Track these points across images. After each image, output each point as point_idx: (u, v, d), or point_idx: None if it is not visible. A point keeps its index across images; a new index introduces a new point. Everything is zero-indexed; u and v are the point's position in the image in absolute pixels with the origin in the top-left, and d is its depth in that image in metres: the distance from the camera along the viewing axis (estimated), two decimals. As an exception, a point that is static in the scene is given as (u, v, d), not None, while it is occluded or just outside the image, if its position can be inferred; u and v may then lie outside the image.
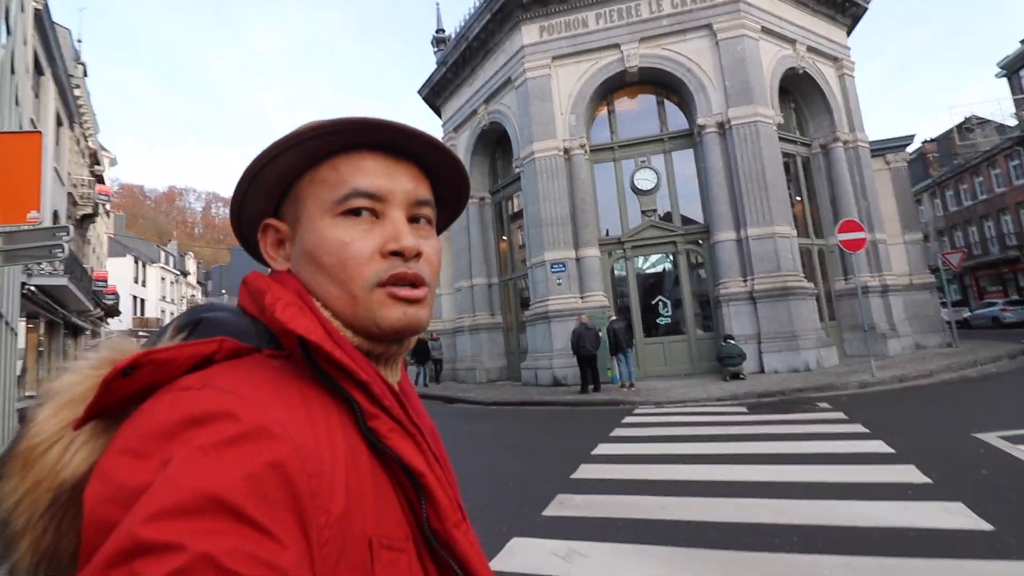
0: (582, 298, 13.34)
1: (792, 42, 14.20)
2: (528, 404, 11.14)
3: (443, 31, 19.11)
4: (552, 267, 13.44)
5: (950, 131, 36.12)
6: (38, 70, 13.71)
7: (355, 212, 0.57)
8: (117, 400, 0.46)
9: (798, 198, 14.93)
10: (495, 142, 17.14)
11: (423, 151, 0.61)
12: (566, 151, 13.84)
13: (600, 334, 11.81)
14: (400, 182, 0.59)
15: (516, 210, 16.62)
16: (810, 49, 14.61)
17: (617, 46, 13.67)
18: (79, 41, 22.68)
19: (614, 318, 11.69)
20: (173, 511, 0.37)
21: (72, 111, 18.35)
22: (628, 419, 8.38)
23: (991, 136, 32.91)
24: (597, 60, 13.87)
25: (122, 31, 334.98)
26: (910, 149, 17.34)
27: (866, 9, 15.69)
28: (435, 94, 18.76)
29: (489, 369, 16.36)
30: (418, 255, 0.58)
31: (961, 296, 31.91)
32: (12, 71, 9.53)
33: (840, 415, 7.35)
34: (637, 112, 14.64)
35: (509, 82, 14.96)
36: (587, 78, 13.92)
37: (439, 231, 0.69)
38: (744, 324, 12.29)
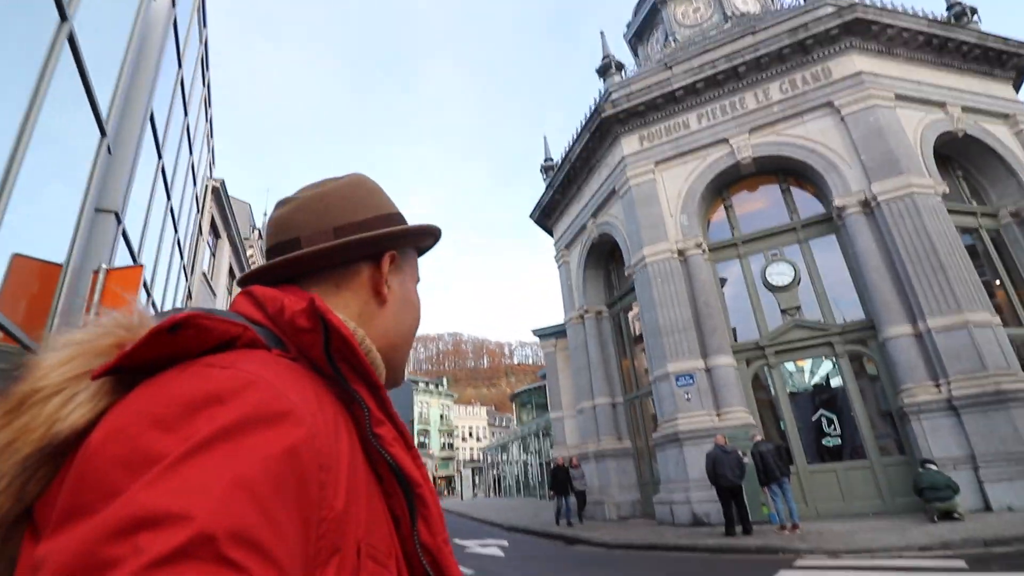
0: (719, 415, 11.30)
1: (941, 105, 12.30)
2: (660, 548, 9.06)
3: (551, 159, 19.99)
4: (677, 380, 11.76)
5: None
6: (215, 233, 16.49)
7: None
8: (150, 358, 0.46)
9: (996, 282, 11.91)
10: (607, 255, 16.60)
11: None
12: (680, 252, 12.75)
13: (745, 459, 9.64)
14: None
15: (635, 322, 15.41)
16: (967, 109, 12.51)
17: (725, 141, 12.89)
18: (265, 214, 27.92)
19: (759, 439, 9.52)
20: (187, 489, 0.36)
21: (244, 265, 21.70)
22: (786, 573, 6.20)
23: None
24: (704, 157, 13.14)
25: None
26: None
27: (1033, 57, 13.37)
28: (546, 216, 19.14)
29: (620, 504, 14.23)
30: None
31: None
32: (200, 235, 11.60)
33: None
34: (759, 204, 13.31)
35: (614, 193, 14.69)
36: (696, 176, 13.14)
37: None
38: (946, 443, 9.30)
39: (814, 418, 11.12)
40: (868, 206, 11.13)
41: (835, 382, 11.39)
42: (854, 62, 11.90)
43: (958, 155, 12.84)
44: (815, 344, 11.38)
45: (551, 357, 19.65)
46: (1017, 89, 13.71)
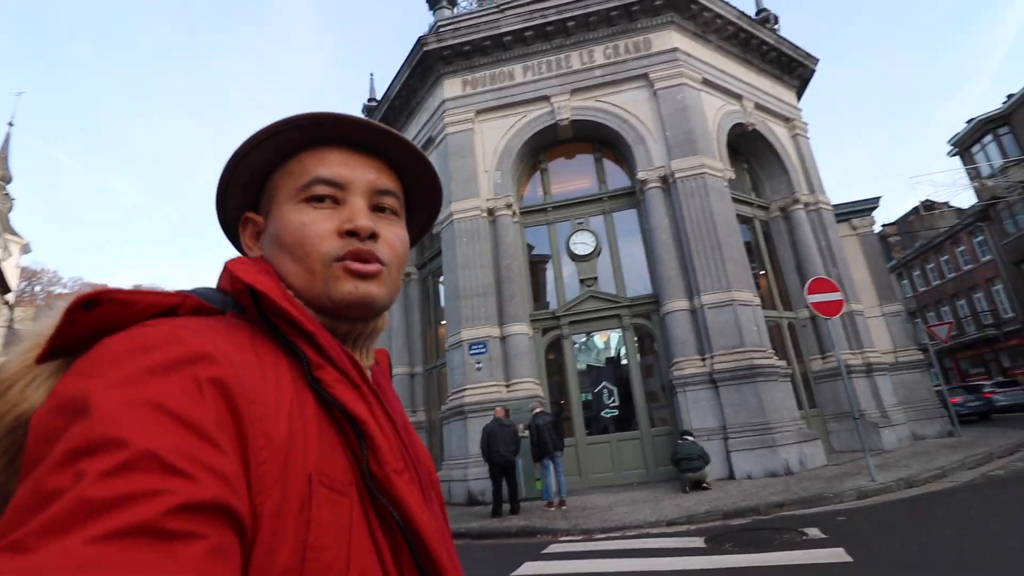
0: (508, 387, 10.80)
1: (738, 97, 12.99)
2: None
3: (374, 99, 17.85)
4: (471, 348, 11.00)
5: (908, 213, 36.20)
6: None
7: (317, 199, 0.62)
8: (77, 336, 0.48)
9: (762, 272, 13.07)
10: (422, 209, 15.25)
11: (386, 145, 0.66)
12: (490, 211, 11.91)
13: (523, 433, 9.19)
14: (361, 171, 0.65)
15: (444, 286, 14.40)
16: (759, 107, 13.42)
17: (547, 98, 12.22)
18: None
19: (538, 410, 9.10)
20: (117, 417, 0.38)
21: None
22: (531, 565, 5.63)
23: (948, 217, 32.79)
24: (525, 113, 12.36)
25: (116, 140, 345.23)
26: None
27: (813, 70, 14.86)
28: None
29: (408, 475, 13.29)
30: (374, 236, 0.62)
31: (943, 380, 30.06)
32: None
33: (840, 553, 4.78)
34: (574, 171, 12.99)
35: (431, 142, 13.30)
36: (514, 132, 12.32)
37: (421, 233, 0.79)
38: (705, 415, 9.82)
39: (596, 390, 11.18)
40: (666, 182, 11.28)
41: (618, 354, 11.59)
42: (672, 38, 11.90)
43: (746, 149, 13.79)
44: (606, 316, 11.41)
45: (354, 316, 17.89)
46: (798, 97, 15.15)
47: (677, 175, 11.05)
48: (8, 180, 34.02)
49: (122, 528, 0.34)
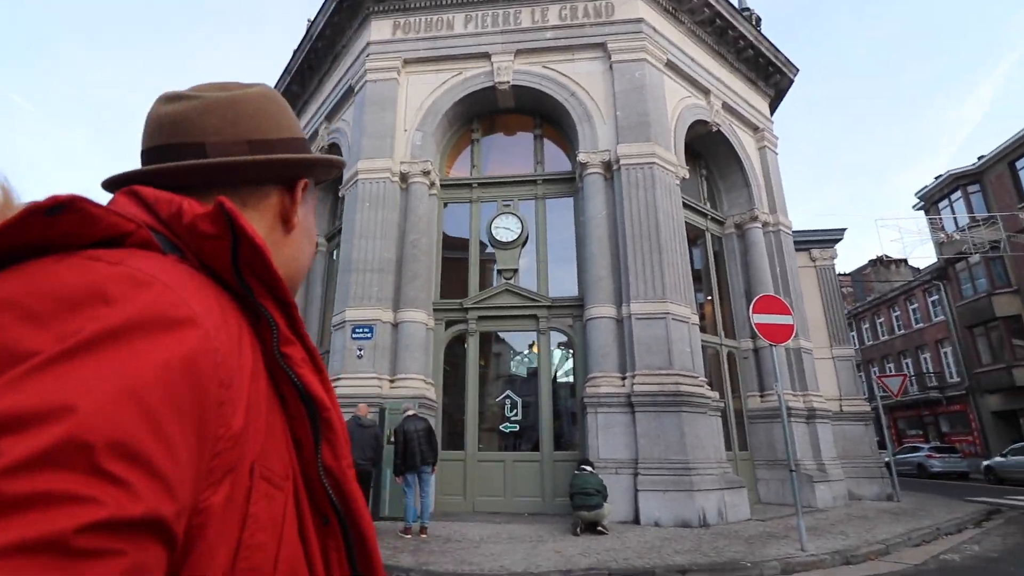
0: (392, 382, 8.89)
1: (706, 92, 11.58)
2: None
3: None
4: (354, 331, 9.05)
5: (864, 266, 36.05)
6: None
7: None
8: (18, 243, 0.39)
9: (708, 297, 11.59)
10: (341, 175, 13.28)
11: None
12: (403, 176, 10.05)
13: (387, 438, 7.30)
14: None
15: (353, 260, 12.38)
16: (727, 108, 12.05)
17: (487, 56, 10.50)
18: None
19: (410, 413, 7.21)
20: (62, 392, 0.32)
21: None
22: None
23: (904, 273, 32.63)
24: (460, 71, 10.60)
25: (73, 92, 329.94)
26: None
27: (792, 81, 13.64)
28: (285, 113, 14.98)
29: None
30: None
31: (889, 437, 29.41)
32: None
33: None
34: (510, 148, 11.29)
35: (351, 91, 11.40)
36: (445, 90, 10.54)
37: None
38: (616, 443, 8.11)
39: (498, 399, 9.37)
40: (610, 169, 9.67)
41: (528, 360, 9.83)
42: (638, 7, 10.38)
43: (707, 153, 12.39)
44: (522, 315, 9.64)
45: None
46: (772, 110, 13.91)
47: (623, 162, 9.44)
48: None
49: (26, 541, 0.28)
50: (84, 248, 0.41)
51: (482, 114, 11.09)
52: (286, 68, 13.80)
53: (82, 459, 0.30)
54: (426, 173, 10.05)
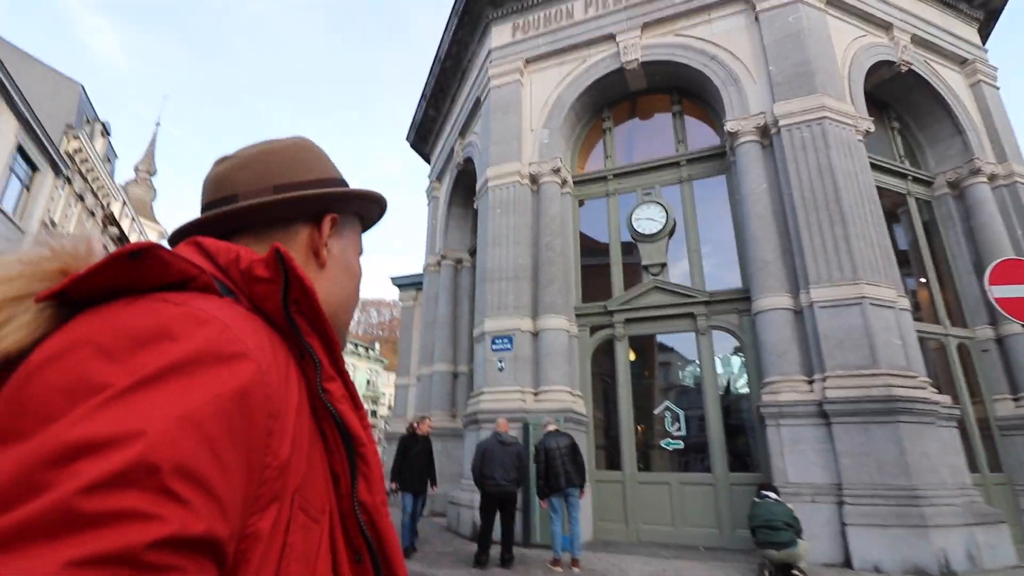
0: (536, 395, 8.33)
1: (886, 28, 9.40)
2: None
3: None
4: (493, 342, 8.70)
5: None
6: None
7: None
8: (99, 287, 0.43)
9: (922, 280, 9.26)
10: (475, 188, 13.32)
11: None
12: (532, 178, 9.59)
13: (531, 456, 6.71)
14: None
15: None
16: (918, 42, 9.67)
17: (611, 37, 9.68)
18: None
19: (551, 428, 6.53)
20: (132, 419, 0.35)
21: (59, 163, 17.32)
22: None
23: None
24: (584, 58, 9.91)
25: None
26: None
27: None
28: (422, 139, 15.63)
29: (436, 498, 11.21)
30: None
31: None
32: None
33: None
34: (647, 132, 10.25)
35: (479, 104, 11.34)
36: (569, 81, 9.91)
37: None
38: (809, 464, 6.55)
39: (657, 411, 8.27)
40: (767, 134, 8.16)
41: (690, 367, 8.58)
42: (784, -54, 8.76)
43: (897, 102, 10.03)
44: (676, 315, 8.47)
45: (408, 312, 16.38)
46: (983, 38, 10.96)
47: (783, 122, 7.89)
48: (153, 173, 38.18)
49: (102, 554, 0.30)
50: (154, 291, 0.44)
51: (612, 101, 10.23)
52: (421, 94, 14.32)
53: (151, 480, 0.33)
54: (556, 171, 9.45)
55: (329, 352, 0.53)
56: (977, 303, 8.93)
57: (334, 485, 0.51)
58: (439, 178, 14.47)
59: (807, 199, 7.42)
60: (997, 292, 5.06)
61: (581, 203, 9.96)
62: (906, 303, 7.28)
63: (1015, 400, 8.34)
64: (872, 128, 8.37)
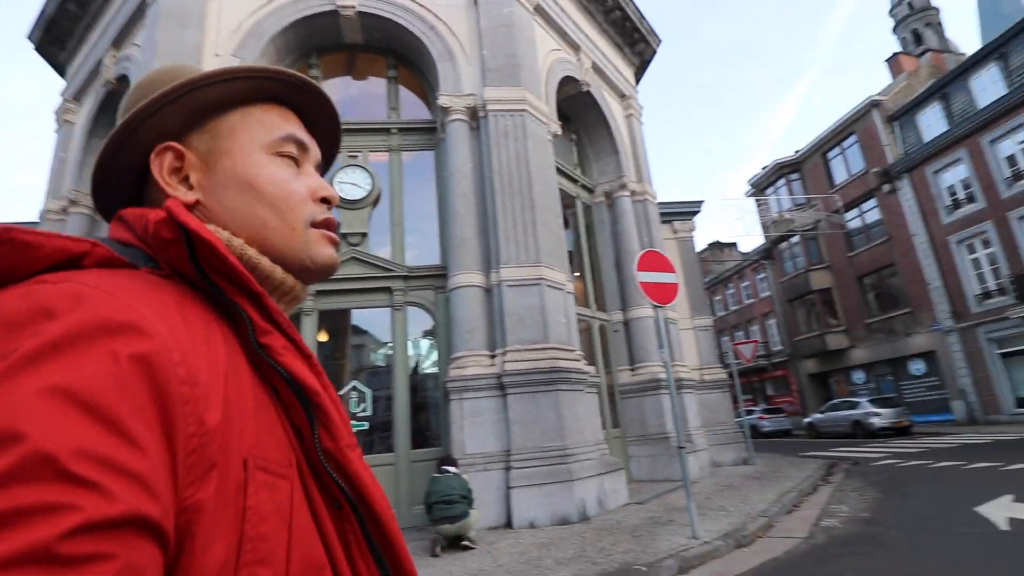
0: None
1: (576, 48, 10.77)
2: None
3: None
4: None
5: (704, 249, 39.43)
6: None
7: (284, 157, 0.60)
8: None
9: (576, 275, 10.88)
10: (136, 114, 10.38)
11: (321, 121, 0.67)
12: (213, 111, 7.81)
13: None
14: (314, 143, 0.64)
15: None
16: (596, 69, 11.39)
17: (326, -26, 8.58)
18: None
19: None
20: (11, 410, 0.32)
21: None
22: None
23: (735, 255, 36.10)
24: (294, -13, 8.55)
25: None
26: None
27: (654, 52, 13.46)
28: (56, 42, 11.46)
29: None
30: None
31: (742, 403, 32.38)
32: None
33: None
34: (359, 93, 9.51)
35: (144, 7, 8.75)
36: (272, 9, 8.42)
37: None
38: (486, 434, 6.93)
39: (342, 392, 7.70)
40: (475, 116, 8.38)
41: (380, 345, 8.31)
42: (505, -60, 9.14)
43: (576, 118, 11.66)
44: (372, 288, 8.02)
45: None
46: (636, 80, 13.65)
47: (491, 107, 8.21)
48: None
49: (11, 555, 0.28)
50: (42, 272, 0.41)
51: (324, 48, 9.13)
52: (51, -27, 10.39)
53: (49, 469, 0.30)
54: (245, 110, 7.90)
55: (257, 305, 0.48)
56: (614, 293, 11.06)
57: (299, 439, 0.49)
58: (77, 98, 10.90)
59: (505, 183, 7.86)
60: (642, 277, 6.11)
61: (276, 154, 8.61)
62: (571, 288, 8.40)
63: (632, 370, 10.59)
64: (559, 132, 9.45)
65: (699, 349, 12.85)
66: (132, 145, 0.57)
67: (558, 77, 10.01)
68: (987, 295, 17.78)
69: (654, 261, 6.39)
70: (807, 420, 20.88)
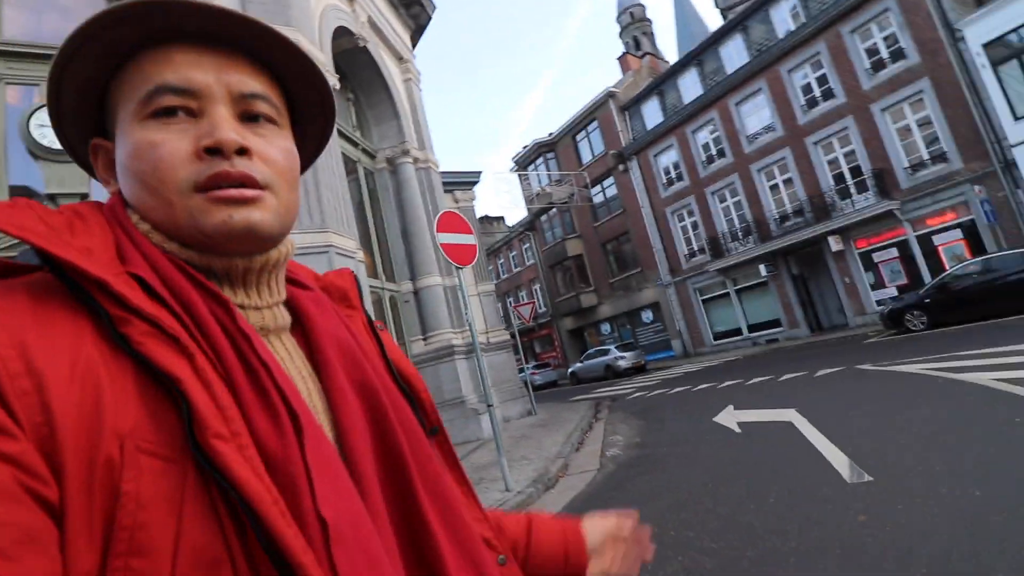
0: None
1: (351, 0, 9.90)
2: None
3: None
4: None
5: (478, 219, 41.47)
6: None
7: (167, 113, 0.50)
8: None
9: (363, 240, 10.26)
10: None
11: (245, 36, 0.52)
12: None
13: None
14: (218, 73, 0.51)
15: None
16: (372, 25, 10.67)
17: None
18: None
19: None
20: None
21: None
22: None
23: (502, 228, 38.77)
24: None
25: None
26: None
27: (429, 18, 13.20)
28: None
29: None
30: (244, 152, 0.50)
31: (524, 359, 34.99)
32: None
33: None
34: (59, 14, 7.21)
35: None
36: None
37: (316, 151, 0.66)
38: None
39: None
40: (237, 57, 7.10)
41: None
42: None
43: (353, 76, 10.85)
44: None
45: None
46: (413, 44, 13.25)
47: (255, 48, 7.02)
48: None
49: None
50: None
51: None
52: None
53: None
54: None
55: (106, 293, 0.45)
56: (403, 263, 10.80)
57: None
58: None
59: (280, 140, 6.86)
60: (442, 239, 5.96)
61: (-79, 78, 6.03)
62: (362, 256, 7.87)
63: (425, 340, 10.54)
64: (338, 85, 8.63)
65: (484, 313, 13.44)
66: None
67: (332, 26, 9.07)
68: (692, 255, 22.46)
69: (453, 223, 6.31)
70: (570, 370, 23.83)
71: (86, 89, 0.52)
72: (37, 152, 6.28)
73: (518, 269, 33.61)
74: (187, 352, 0.45)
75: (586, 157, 27.23)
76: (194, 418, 0.43)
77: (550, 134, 29.07)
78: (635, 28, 44.39)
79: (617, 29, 48.47)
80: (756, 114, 19.93)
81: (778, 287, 19.68)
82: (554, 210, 28.19)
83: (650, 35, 43.56)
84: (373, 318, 0.71)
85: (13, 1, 6.63)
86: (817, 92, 18.28)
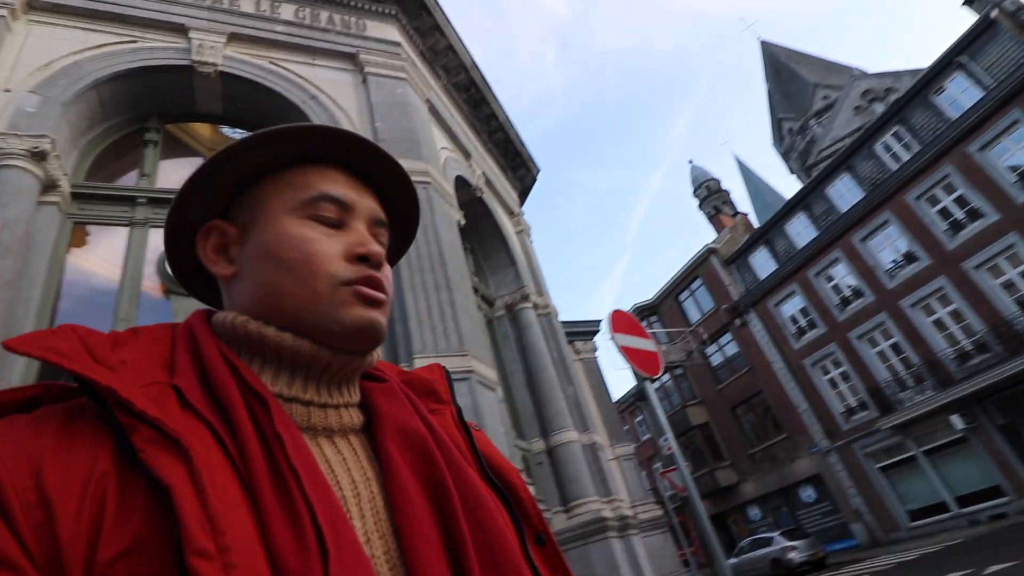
0: None
1: (467, 155, 10.23)
2: None
3: None
4: None
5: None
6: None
7: (321, 219, 0.58)
8: None
9: None
10: None
11: (382, 172, 0.65)
12: (-19, 155, 5.39)
13: None
14: (365, 198, 0.62)
15: None
16: (487, 181, 10.88)
17: (182, 29, 7.17)
18: None
19: None
20: None
21: None
22: None
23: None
24: (135, 39, 6.94)
25: None
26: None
27: (534, 180, 13.63)
28: None
29: None
30: (380, 265, 0.58)
31: (687, 543, 29.46)
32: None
33: None
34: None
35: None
36: (104, 54, 6.63)
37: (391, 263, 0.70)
38: None
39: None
40: (370, 187, 6.91)
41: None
42: (394, 34, 8.72)
43: (470, 227, 10.72)
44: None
45: None
46: (522, 198, 13.49)
47: (389, 177, 6.84)
48: None
49: None
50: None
51: (169, 115, 7.33)
52: None
53: None
54: (38, 156, 5.58)
55: (115, 400, 0.44)
56: (531, 417, 9.25)
57: None
58: None
59: (412, 258, 6.20)
60: (622, 341, 4.58)
61: (84, 227, 6.14)
62: (501, 392, 6.54)
63: (567, 512, 8.41)
64: (463, 221, 8.28)
65: (626, 482, 11.09)
66: (185, 224, 0.60)
67: (453, 174, 9.17)
68: (851, 412, 18.91)
69: (629, 323, 4.98)
70: (727, 564, 19.10)
71: (242, 178, 0.60)
72: (171, 287, 5.95)
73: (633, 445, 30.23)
74: (185, 456, 0.43)
75: (693, 316, 25.74)
76: (183, 530, 0.41)
77: (653, 296, 28.28)
78: (714, 199, 45.89)
79: (696, 202, 50.45)
80: (889, 246, 18.13)
81: (984, 443, 15.55)
82: (666, 376, 25.96)
83: (730, 203, 44.67)
84: (464, 416, 0.71)
85: (169, 159, 7.00)
86: (959, 214, 16.50)
